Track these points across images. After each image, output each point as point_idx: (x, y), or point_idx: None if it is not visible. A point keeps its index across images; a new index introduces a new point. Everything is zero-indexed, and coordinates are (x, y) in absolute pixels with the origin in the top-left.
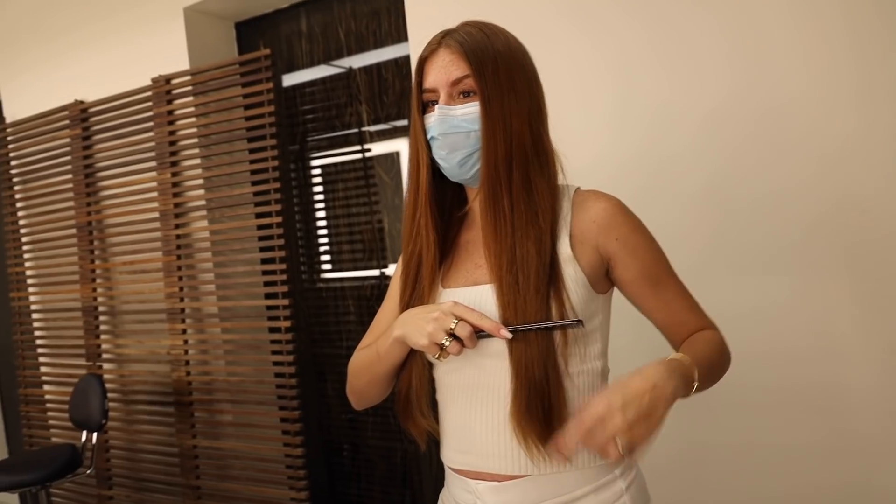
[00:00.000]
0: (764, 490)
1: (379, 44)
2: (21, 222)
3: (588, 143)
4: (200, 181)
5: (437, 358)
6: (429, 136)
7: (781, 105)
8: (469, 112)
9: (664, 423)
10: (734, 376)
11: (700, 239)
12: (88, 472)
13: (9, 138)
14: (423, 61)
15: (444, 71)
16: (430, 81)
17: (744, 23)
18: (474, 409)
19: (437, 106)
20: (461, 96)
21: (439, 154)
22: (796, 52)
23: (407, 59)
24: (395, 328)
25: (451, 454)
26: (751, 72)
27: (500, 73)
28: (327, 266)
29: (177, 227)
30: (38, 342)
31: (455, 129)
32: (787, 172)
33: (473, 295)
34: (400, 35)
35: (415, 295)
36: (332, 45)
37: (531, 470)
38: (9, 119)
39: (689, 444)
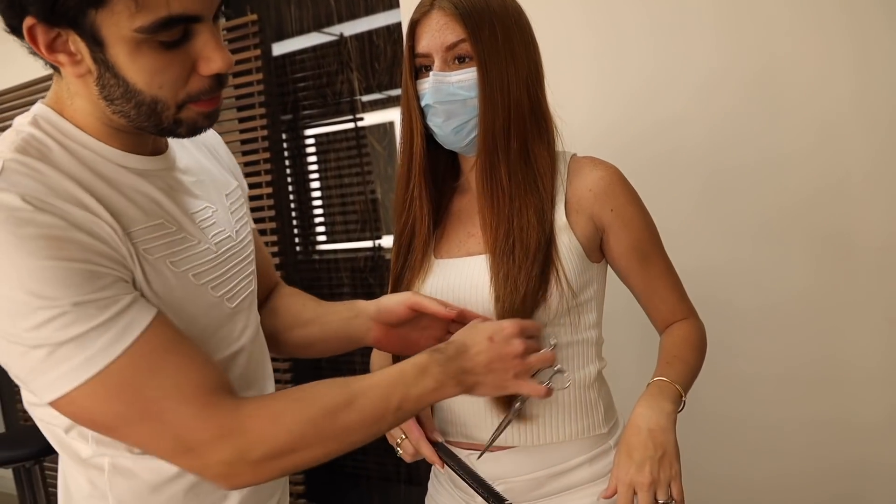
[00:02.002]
0: (758, 465)
1: (370, 10)
2: None
3: (576, 106)
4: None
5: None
6: (422, 104)
7: (775, 70)
8: (465, 79)
9: (678, 446)
10: (726, 345)
11: (690, 204)
12: None
13: None
14: (414, 24)
15: (439, 35)
16: (423, 46)
17: None
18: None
19: (431, 72)
20: (456, 62)
21: (434, 122)
22: (788, 16)
23: (399, 25)
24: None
25: (443, 426)
26: (743, 36)
27: (498, 36)
28: (322, 238)
29: None
30: None
31: (451, 96)
32: (782, 140)
33: (466, 266)
34: (391, 1)
35: (406, 266)
36: (323, 11)
37: (520, 441)
38: None
39: (689, 414)
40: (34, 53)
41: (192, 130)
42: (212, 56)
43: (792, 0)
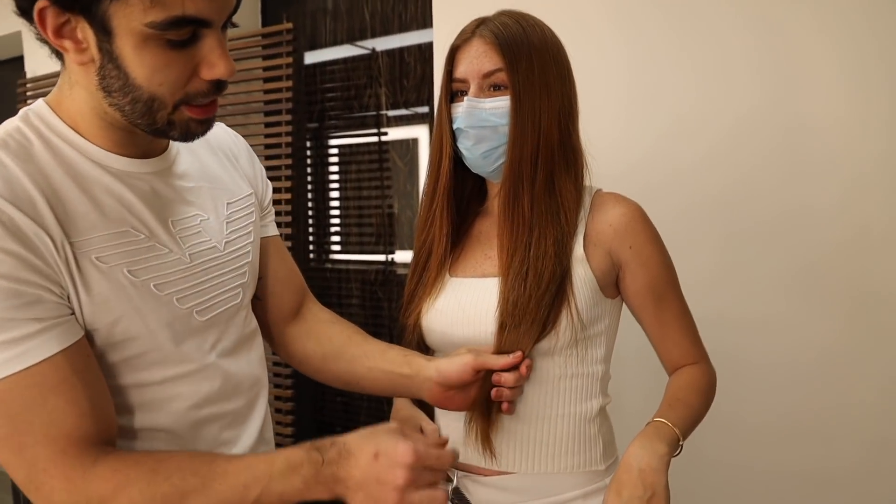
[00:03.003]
0: None
1: (404, 27)
2: None
3: (606, 141)
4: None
5: None
6: (454, 127)
7: (809, 123)
8: (499, 106)
9: (668, 490)
10: (730, 390)
11: (710, 250)
12: None
13: (28, 94)
14: (454, 49)
15: (477, 62)
16: (460, 71)
17: (778, 36)
18: None
19: (466, 97)
20: (491, 89)
21: (464, 145)
22: (829, 71)
23: (430, 45)
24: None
25: None
26: (781, 86)
27: (534, 68)
28: (336, 247)
29: None
30: None
31: (483, 122)
32: (808, 193)
33: (479, 286)
34: (425, 20)
35: (420, 283)
36: (357, 24)
37: (516, 467)
38: (30, 74)
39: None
40: (40, 39)
41: (185, 135)
42: (216, 62)
43: (836, 56)
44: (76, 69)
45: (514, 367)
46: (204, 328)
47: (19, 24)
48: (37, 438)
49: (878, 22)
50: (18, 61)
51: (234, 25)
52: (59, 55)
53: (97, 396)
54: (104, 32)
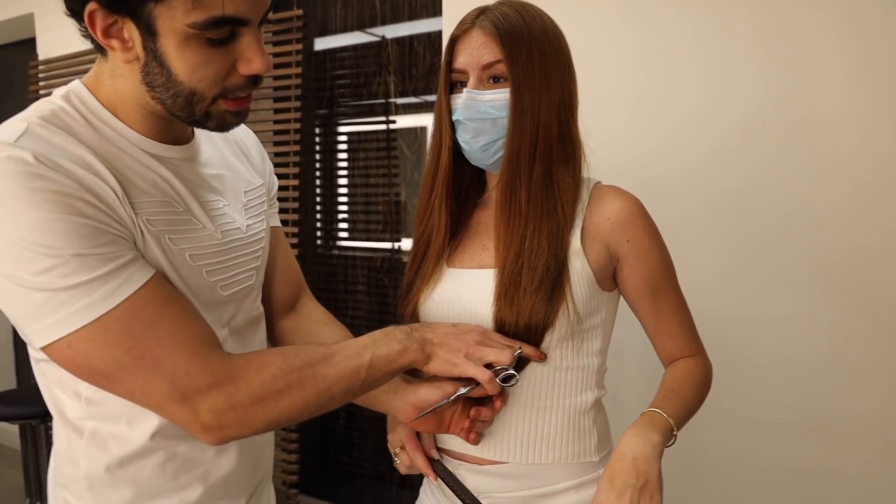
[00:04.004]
0: None
1: (413, 15)
2: None
3: (609, 134)
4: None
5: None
6: (453, 118)
7: (817, 120)
8: (497, 99)
9: (661, 478)
10: (733, 387)
11: (717, 247)
12: None
13: (40, 76)
14: (454, 40)
15: (476, 53)
16: (460, 62)
17: (786, 31)
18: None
19: (465, 89)
20: (491, 81)
21: (463, 137)
22: (838, 67)
23: (440, 34)
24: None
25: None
26: (788, 82)
27: (534, 60)
28: (343, 234)
29: None
30: None
31: (481, 114)
32: (816, 192)
33: (476, 277)
34: (435, 8)
35: (418, 274)
36: (367, 12)
37: (510, 458)
38: (42, 57)
39: (685, 450)
40: (87, 36)
41: (221, 125)
42: (253, 59)
43: (845, 52)
44: (121, 65)
45: (489, 398)
46: (223, 303)
47: (31, 6)
48: (170, 348)
49: (885, 18)
50: (30, 43)
51: (270, 22)
52: (102, 50)
53: (195, 308)
54: (149, 33)
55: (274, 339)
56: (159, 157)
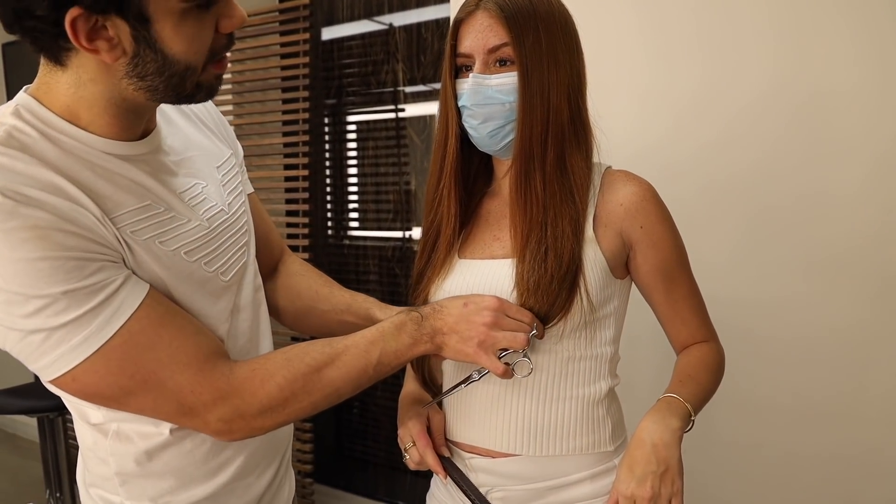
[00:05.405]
0: (766, 495)
1: (421, 2)
2: None
3: (620, 118)
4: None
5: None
6: (459, 104)
7: (828, 100)
8: (505, 83)
9: (682, 463)
10: (746, 371)
11: (730, 230)
12: None
13: None
14: (458, 23)
15: (481, 36)
16: (465, 46)
17: (794, 9)
18: (477, 383)
19: (471, 74)
20: (497, 65)
21: (470, 124)
22: (849, 43)
23: (447, 20)
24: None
25: (450, 425)
26: (799, 58)
27: (542, 41)
28: (354, 224)
29: None
30: None
31: (489, 100)
32: (829, 173)
33: (488, 268)
34: None
35: (429, 264)
36: (374, 0)
37: (524, 450)
38: None
39: (700, 436)
40: (43, 50)
41: (210, 92)
42: (232, 13)
43: (854, 28)
44: (91, 70)
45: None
46: (228, 287)
47: None
48: (172, 369)
49: None
50: None
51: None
52: (57, 59)
53: (194, 321)
54: (140, 22)
55: None
56: (126, 156)
